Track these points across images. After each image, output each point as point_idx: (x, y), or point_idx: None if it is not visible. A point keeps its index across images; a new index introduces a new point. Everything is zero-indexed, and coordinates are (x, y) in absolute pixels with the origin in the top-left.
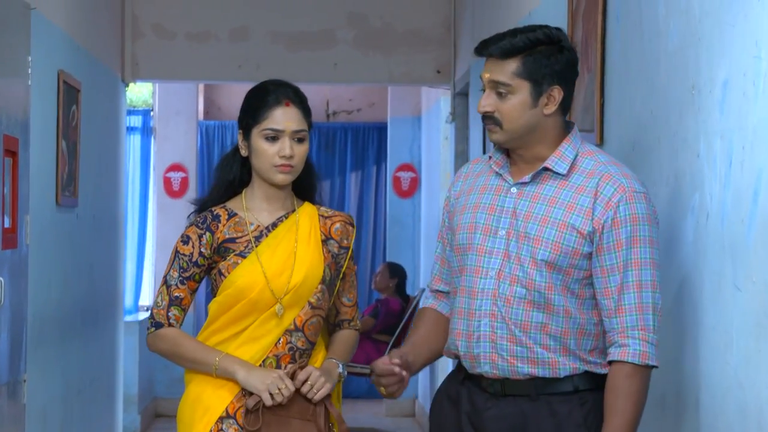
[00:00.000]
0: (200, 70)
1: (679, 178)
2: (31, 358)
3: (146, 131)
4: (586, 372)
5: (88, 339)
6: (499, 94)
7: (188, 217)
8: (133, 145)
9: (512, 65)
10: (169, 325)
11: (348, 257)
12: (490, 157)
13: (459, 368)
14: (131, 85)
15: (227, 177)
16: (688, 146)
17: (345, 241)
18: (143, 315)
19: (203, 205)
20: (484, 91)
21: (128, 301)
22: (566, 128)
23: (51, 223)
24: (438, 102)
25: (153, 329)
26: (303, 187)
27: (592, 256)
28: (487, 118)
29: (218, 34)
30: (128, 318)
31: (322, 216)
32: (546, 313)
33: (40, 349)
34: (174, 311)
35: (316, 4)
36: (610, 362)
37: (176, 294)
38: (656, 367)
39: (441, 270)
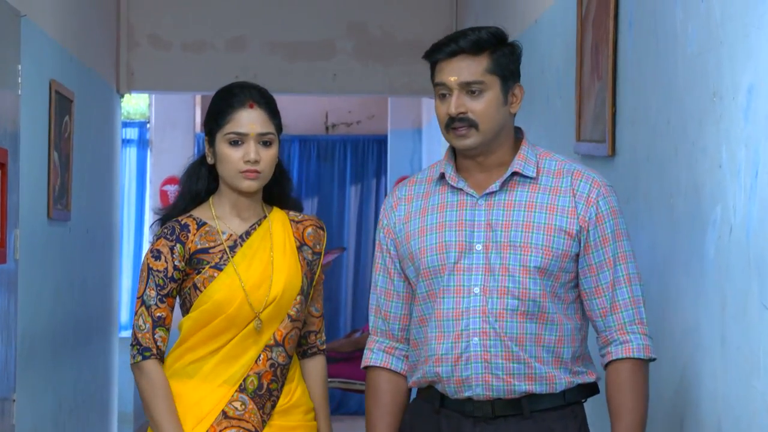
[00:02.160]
0: (197, 80)
1: (698, 190)
2: (20, 376)
3: (142, 143)
4: (578, 384)
5: (81, 356)
6: (471, 93)
7: (150, 227)
8: (129, 157)
9: (484, 61)
10: (157, 348)
11: (320, 264)
12: (442, 175)
13: (430, 396)
14: (128, 97)
15: (194, 186)
16: (708, 156)
17: (317, 247)
18: None
19: (167, 216)
20: (445, 95)
21: (124, 316)
22: (516, 132)
23: (42, 236)
24: None
25: (139, 357)
26: (272, 196)
27: (578, 257)
28: (460, 120)
29: (215, 44)
30: (124, 334)
31: (293, 221)
32: (539, 323)
33: (30, 366)
34: (159, 333)
35: (314, 14)
36: (611, 361)
37: (158, 314)
38: (656, 359)
39: (388, 303)
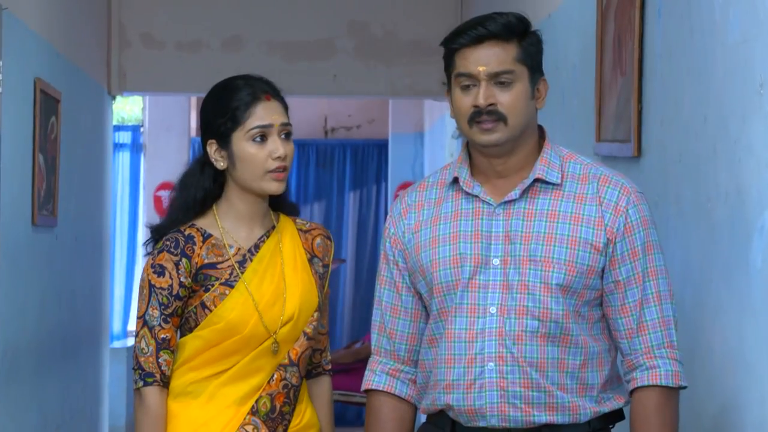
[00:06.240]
0: (191, 82)
1: (742, 194)
2: (2, 393)
3: (136, 148)
4: (605, 413)
5: (68, 369)
6: (501, 84)
7: (144, 245)
8: (121, 162)
9: (513, 49)
10: (161, 372)
11: (328, 277)
12: (455, 179)
13: (440, 422)
14: (123, 101)
15: (197, 196)
16: (753, 155)
17: (326, 259)
18: (132, 341)
19: (163, 231)
20: (468, 87)
21: (116, 326)
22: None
23: (26, 243)
24: (442, 117)
25: (141, 383)
26: (277, 196)
27: (604, 271)
28: (489, 113)
29: (210, 44)
30: (116, 344)
31: (301, 230)
32: (561, 347)
33: (12, 382)
34: (164, 356)
35: (314, 12)
36: (636, 389)
37: (162, 336)
38: (686, 387)
39: (394, 321)
